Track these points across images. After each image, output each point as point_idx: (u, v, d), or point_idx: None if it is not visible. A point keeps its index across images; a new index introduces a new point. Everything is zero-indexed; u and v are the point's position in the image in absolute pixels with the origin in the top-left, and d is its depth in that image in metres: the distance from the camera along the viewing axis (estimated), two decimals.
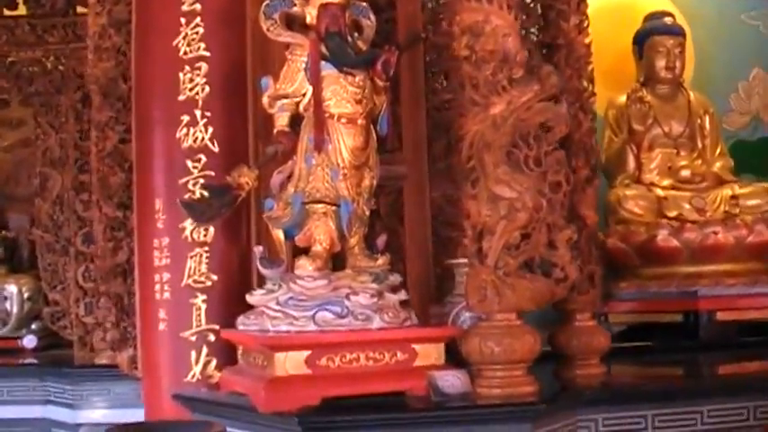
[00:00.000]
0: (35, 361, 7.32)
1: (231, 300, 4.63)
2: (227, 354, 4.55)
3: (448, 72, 5.21)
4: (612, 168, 6.98)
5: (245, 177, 4.21)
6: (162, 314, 4.67)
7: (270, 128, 4.59)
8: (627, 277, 6.53)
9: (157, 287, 4.68)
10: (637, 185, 6.85)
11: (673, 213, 6.61)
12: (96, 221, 5.23)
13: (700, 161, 7.05)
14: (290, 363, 3.90)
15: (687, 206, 6.63)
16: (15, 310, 7.88)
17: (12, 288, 7.92)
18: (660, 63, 7.12)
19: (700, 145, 7.12)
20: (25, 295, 7.92)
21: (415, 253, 5.00)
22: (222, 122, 4.70)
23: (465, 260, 4.47)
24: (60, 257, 7.30)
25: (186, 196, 4.61)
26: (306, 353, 3.92)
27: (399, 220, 5.02)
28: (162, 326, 4.68)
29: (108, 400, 6.29)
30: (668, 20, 7.23)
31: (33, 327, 7.87)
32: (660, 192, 6.74)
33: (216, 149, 4.66)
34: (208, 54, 4.73)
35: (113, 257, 5.20)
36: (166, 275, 4.65)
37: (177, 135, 4.68)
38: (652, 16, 7.27)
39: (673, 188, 6.82)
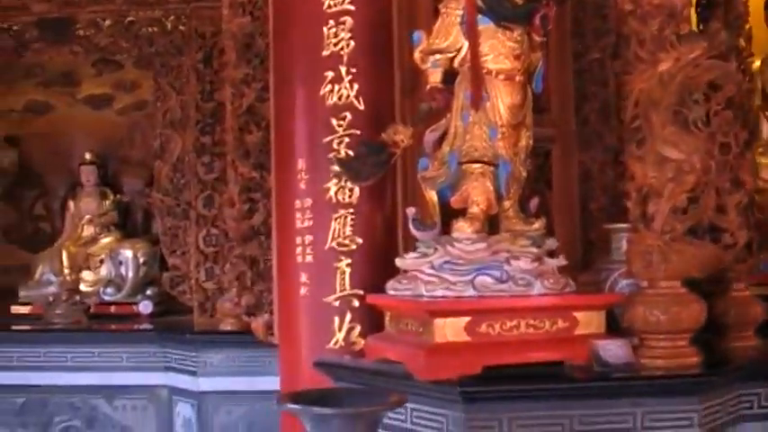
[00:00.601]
0: (151, 327, 7.30)
1: (376, 264, 4.54)
2: (371, 320, 4.44)
3: (598, 31, 5.05)
4: None
5: (401, 135, 4.09)
6: (303, 278, 4.58)
7: (416, 84, 4.49)
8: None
9: (299, 250, 4.58)
10: None
11: None
12: (232, 182, 5.15)
13: None
14: (450, 329, 3.77)
15: None
16: (131, 275, 7.86)
17: (127, 253, 7.90)
18: None
19: None
20: (140, 260, 7.90)
21: (563, 218, 4.86)
22: (367, 79, 4.58)
23: (624, 225, 4.33)
24: (180, 221, 7.26)
25: (330, 156, 4.50)
26: (466, 319, 3.79)
27: (546, 183, 4.86)
28: (303, 290, 4.58)
29: (232, 367, 6.20)
30: None
31: (148, 292, 7.85)
32: None
33: (361, 107, 4.55)
34: (352, 8, 4.61)
35: (249, 219, 5.11)
36: (309, 238, 4.55)
37: (321, 92, 4.56)
38: None
39: None
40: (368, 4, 4.64)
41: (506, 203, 4.17)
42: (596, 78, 5.06)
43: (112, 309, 7.76)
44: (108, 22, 7.45)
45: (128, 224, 8.60)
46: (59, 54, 7.56)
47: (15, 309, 7.90)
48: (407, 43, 4.58)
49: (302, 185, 4.58)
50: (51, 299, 7.39)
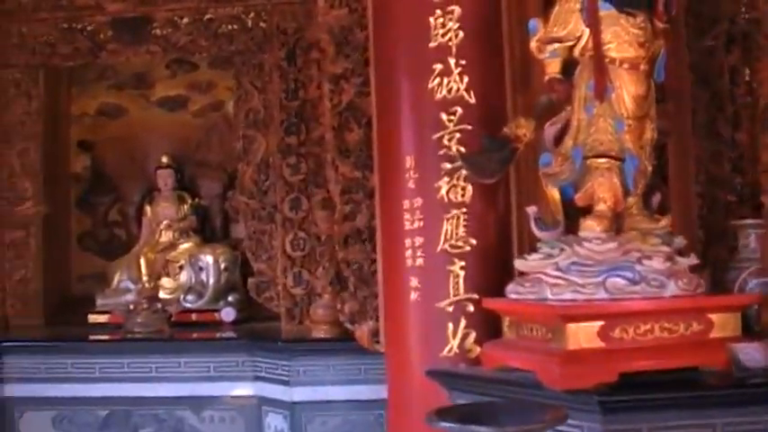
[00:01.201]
0: (239, 335, 7.21)
1: (490, 266, 4.40)
2: (486, 325, 4.29)
3: (711, 17, 4.88)
4: None
5: (523, 129, 3.96)
6: (414, 282, 4.44)
7: (527, 76, 4.37)
8: None
9: (408, 253, 4.44)
10: None
11: None
12: (332, 182, 5.01)
13: None
14: (583, 335, 3.62)
15: None
16: (212, 281, 7.77)
17: (208, 258, 7.82)
18: None
19: None
20: (222, 266, 7.82)
21: (680, 214, 4.67)
22: (477, 71, 4.44)
23: (752, 221, 4.16)
24: (266, 225, 7.14)
25: (441, 152, 4.37)
26: (599, 324, 3.64)
27: (663, 178, 4.68)
28: (414, 295, 4.44)
29: (327, 375, 6.09)
30: None
31: (230, 299, 7.76)
32: None
33: (472, 101, 4.40)
34: None
35: (351, 221, 4.97)
36: (419, 240, 4.42)
37: (429, 86, 4.41)
38: None
39: None
40: None
41: (630, 200, 4.01)
42: (711, 67, 4.85)
43: (194, 316, 7.67)
44: (186, 21, 7.37)
45: (206, 229, 8.49)
46: (136, 54, 7.45)
47: (93, 318, 7.82)
48: (517, 32, 4.47)
49: (411, 185, 4.44)
50: (132, 307, 7.30)
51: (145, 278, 7.95)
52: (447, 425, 2.82)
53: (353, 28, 4.95)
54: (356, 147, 4.97)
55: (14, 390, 6.82)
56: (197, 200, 8.35)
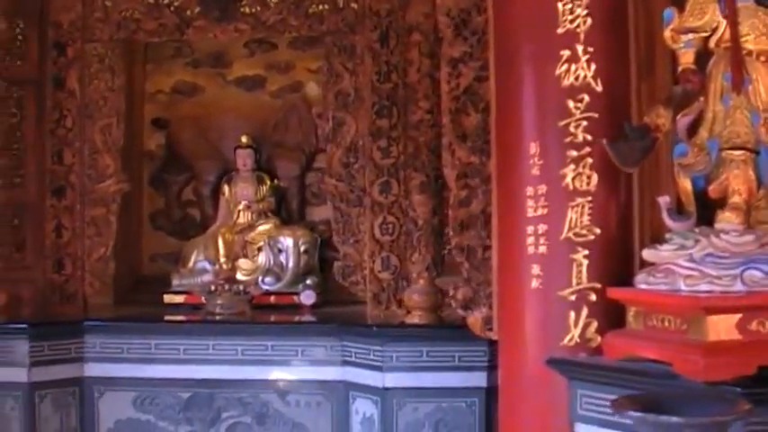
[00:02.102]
0: (314, 318, 7.37)
1: (612, 255, 4.51)
2: (608, 315, 4.40)
3: None
4: None
5: (662, 119, 4.06)
6: (535, 270, 4.54)
7: (651, 64, 4.45)
8: None
9: (530, 240, 4.55)
10: None
11: None
12: (448, 167, 5.12)
13: None
14: (722, 327, 3.71)
15: None
16: (291, 264, 7.92)
17: (287, 241, 7.96)
18: None
19: None
20: (301, 248, 7.97)
21: None
22: (604, 59, 4.53)
23: None
24: (354, 208, 7.29)
25: (567, 140, 4.47)
26: (737, 316, 3.73)
27: None
28: (535, 283, 4.55)
29: (420, 362, 6.22)
30: None
31: (308, 282, 7.90)
32: None
33: (599, 89, 4.50)
34: None
35: (466, 207, 5.09)
36: (543, 227, 4.52)
37: (556, 72, 4.52)
38: None
39: None
40: None
41: (760, 192, 4.10)
42: None
43: (272, 299, 7.83)
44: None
45: (281, 210, 8.63)
46: (223, 32, 7.58)
47: (169, 298, 7.98)
48: (642, 20, 4.56)
49: (535, 171, 4.54)
50: (213, 288, 7.44)
51: (222, 259, 8.10)
52: (635, 414, 2.92)
53: (472, 11, 5.05)
54: (473, 131, 5.07)
55: (95, 369, 6.98)
56: (276, 181, 8.46)
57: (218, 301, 7.34)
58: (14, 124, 7.38)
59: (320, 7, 7.41)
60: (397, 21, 7.14)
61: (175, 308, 7.87)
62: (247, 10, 7.48)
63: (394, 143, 7.04)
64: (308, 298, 7.66)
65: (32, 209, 7.56)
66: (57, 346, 6.88)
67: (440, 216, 6.71)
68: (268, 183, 8.43)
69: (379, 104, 7.06)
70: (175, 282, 8.08)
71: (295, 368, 6.76)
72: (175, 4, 7.56)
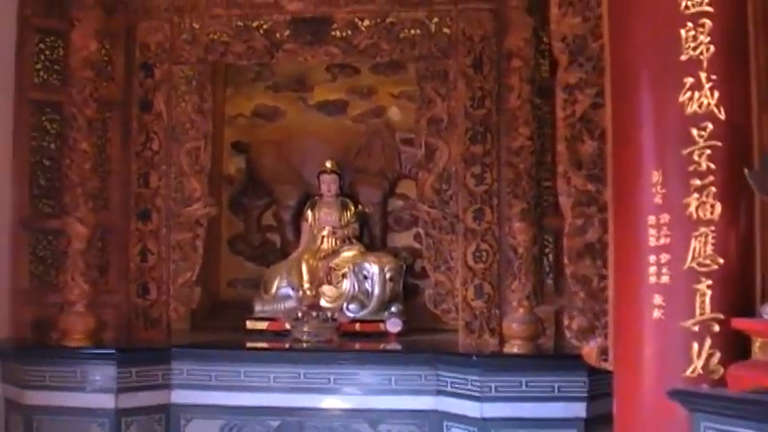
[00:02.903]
0: (400, 346, 7.46)
1: (735, 285, 4.52)
2: (731, 346, 4.42)
3: None
4: None
5: None
6: (657, 300, 4.57)
7: None
8: None
9: (652, 270, 4.58)
10: None
11: None
12: (564, 195, 5.16)
13: None
14: None
15: None
16: (377, 291, 8.00)
17: (373, 268, 8.04)
18: None
19: None
20: (387, 275, 8.03)
21: None
22: (727, 86, 4.56)
23: None
24: (446, 235, 7.34)
25: (691, 168, 4.51)
26: None
27: None
28: (656, 313, 4.57)
29: (520, 392, 6.26)
30: None
31: (393, 309, 7.97)
32: None
33: (722, 116, 4.53)
34: (711, 9, 4.59)
35: (582, 235, 5.13)
36: (665, 257, 4.55)
37: (679, 99, 4.56)
38: None
39: None
40: (726, 6, 4.62)
41: None
42: None
43: (357, 326, 7.90)
44: (366, 23, 7.58)
45: (363, 236, 8.71)
46: (314, 56, 7.65)
47: (252, 324, 8.09)
48: (763, 47, 4.59)
49: (657, 200, 4.57)
50: (300, 315, 7.51)
51: (306, 285, 8.18)
52: None
53: (587, 37, 5.10)
54: (589, 159, 5.11)
55: (182, 396, 7.03)
56: (360, 207, 8.54)
57: (306, 329, 7.40)
58: (100, 146, 7.41)
59: (412, 32, 7.47)
60: (491, 46, 7.22)
61: (258, 334, 7.96)
62: (338, 34, 7.55)
63: (488, 170, 7.13)
64: (394, 325, 7.73)
65: (117, 232, 7.64)
66: (144, 372, 6.95)
67: (539, 244, 6.73)
68: (352, 208, 8.52)
69: (472, 130, 7.16)
70: (258, 308, 8.17)
71: (387, 397, 6.78)
72: (265, 26, 7.65)
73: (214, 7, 7.73)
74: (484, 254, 7.07)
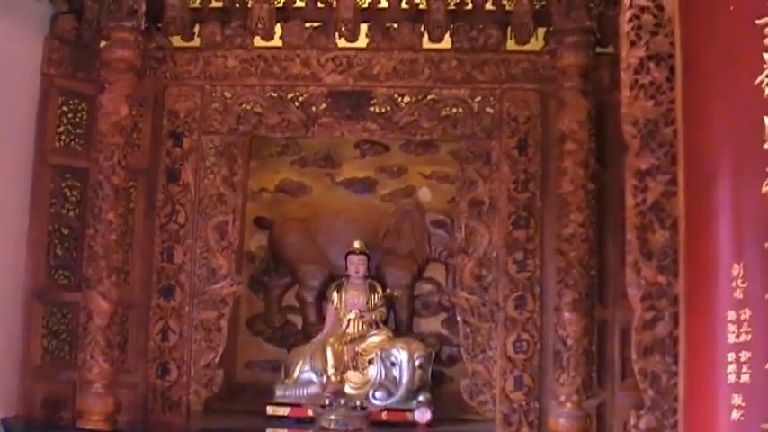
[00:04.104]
0: None
1: None
2: None
3: None
4: None
5: None
6: (737, 400, 4.45)
7: None
8: None
9: (731, 368, 4.46)
10: None
11: None
12: (633, 286, 5.06)
13: None
14: None
15: None
16: (405, 378, 7.84)
17: (402, 354, 7.89)
18: None
19: None
20: (416, 362, 7.89)
21: None
22: None
23: None
24: (485, 323, 7.23)
25: None
26: None
27: None
28: (735, 414, 4.45)
29: None
30: None
31: (421, 398, 7.83)
32: None
33: None
34: None
35: (651, 329, 5.03)
36: (745, 354, 4.44)
37: (762, 190, 4.48)
38: None
39: None
40: None
41: None
42: None
43: (384, 415, 7.73)
44: (407, 99, 7.53)
45: (388, 321, 8.59)
46: (351, 131, 7.59)
47: (272, 409, 7.91)
48: None
49: (738, 294, 4.47)
50: (327, 402, 7.36)
51: (331, 370, 8.00)
52: None
53: (659, 122, 5.03)
54: (660, 250, 5.01)
55: None
56: (389, 290, 8.41)
57: (333, 416, 7.22)
58: (123, 216, 7.29)
59: (453, 110, 7.41)
60: (536, 128, 7.17)
61: (278, 420, 7.76)
62: (377, 109, 7.48)
63: (531, 256, 7.06)
64: (422, 415, 7.59)
65: (137, 308, 7.51)
66: None
67: (590, 336, 6.63)
68: (380, 291, 8.38)
69: (515, 215, 7.09)
70: (279, 392, 8.01)
71: None
72: (300, 99, 7.58)
73: (248, 76, 7.65)
74: (525, 344, 6.98)
